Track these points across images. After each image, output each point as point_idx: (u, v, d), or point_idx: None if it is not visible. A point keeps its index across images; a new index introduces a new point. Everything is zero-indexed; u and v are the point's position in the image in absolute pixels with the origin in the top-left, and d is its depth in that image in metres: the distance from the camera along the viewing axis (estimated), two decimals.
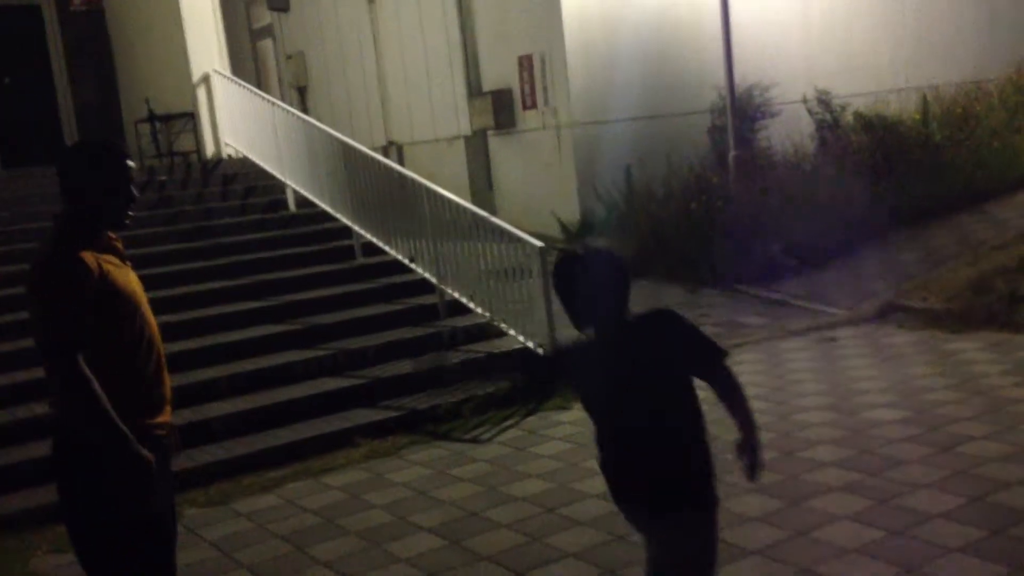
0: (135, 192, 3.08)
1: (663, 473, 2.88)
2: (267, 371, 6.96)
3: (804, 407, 6.08)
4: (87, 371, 2.83)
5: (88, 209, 2.98)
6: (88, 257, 2.91)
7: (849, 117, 12.22)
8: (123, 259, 3.11)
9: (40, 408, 6.09)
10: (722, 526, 4.33)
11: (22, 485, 5.50)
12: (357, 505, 5.21)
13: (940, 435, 5.28)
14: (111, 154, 3.05)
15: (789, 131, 11.93)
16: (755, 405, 6.12)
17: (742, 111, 11.60)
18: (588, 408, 3.02)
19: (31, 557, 4.87)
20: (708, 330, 8.29)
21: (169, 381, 3.18)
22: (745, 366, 7.28)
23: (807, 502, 4.57)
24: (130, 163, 3.06)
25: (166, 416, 3.14)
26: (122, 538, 2.96)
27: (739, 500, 4.68)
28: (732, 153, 11.07)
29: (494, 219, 7.72)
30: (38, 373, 6.37)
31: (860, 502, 4.49)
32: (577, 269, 2.85)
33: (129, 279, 3.09)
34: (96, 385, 2.83)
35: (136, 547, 2.99)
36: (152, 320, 3.14)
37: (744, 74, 11.58)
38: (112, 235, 3.09)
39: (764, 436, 5.47)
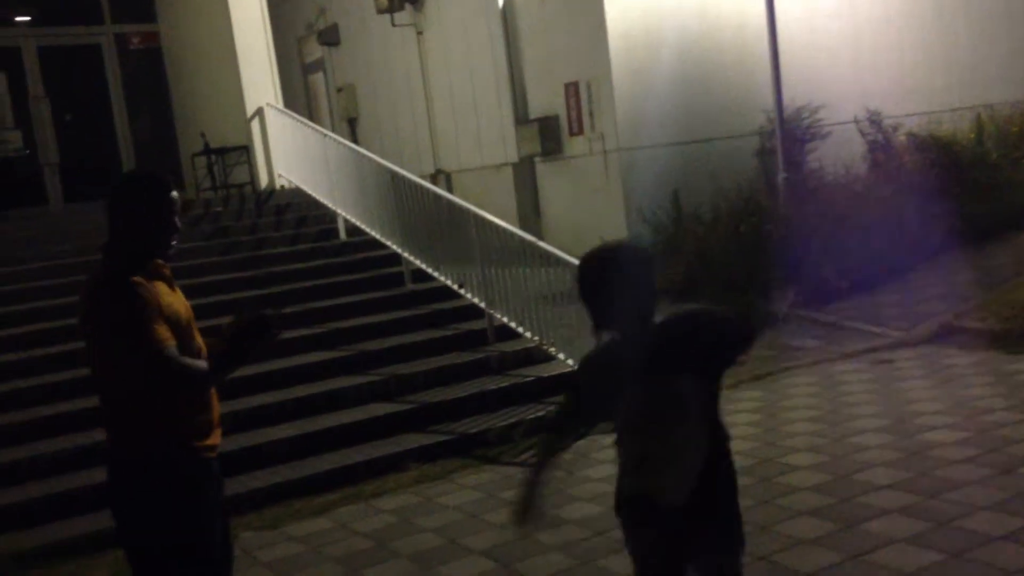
0: (178, 223, 3.15)
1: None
2: (318, 397, 7.03)
3: (860, 429, 5.97)
4: (188, 360, 2.99)
5: (134, 239, 3.06)
6: (141, 280, 2.99)
7: (902, 137, 12.08)
8: (171, 285, 3.19)
9: (99, 435, 6.21)
10: (776, 549, 4.30)
11: (81, 511, 5.61)
12: (408, 528, 5.23)
13: (1000, 456, 5.16)
14: (154, 185, 3.13)
15: (840, 153, 11.81)
16: (810, 428, 6.11)
17: (791, 133, 11.52)
18: (619, 425, 2.87)
19: None
20: (759, 352, 8.27)
21: (218, 405, 3.24)
22: (799, 388, 7.20)
23: (863, 525, 4.48)
24: (174, 194, 3.13)
25: (216, 439, 3.19)
26: (180, 559, 3.01)
27: (793, 523, 4.62)
28: (782, 175, 11.00)
29: (542, 244, 7.74)
30: (95, 401, 6.58)
31: (918, 524, 4.39)
32: (605, 263, 2.75)
33: (179, 303, 3.16)
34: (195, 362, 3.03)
35: (194, 568, 3.04)
36: (203, 344, 3.21)
37: (793, 96, 11.51)
38: (159, 262, 3.16)
39: (819, 458, 5.43)
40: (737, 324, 2.86)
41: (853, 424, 6.10)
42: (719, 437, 2.84)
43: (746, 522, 4.61)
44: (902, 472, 5.10)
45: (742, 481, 5.19)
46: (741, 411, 6.75)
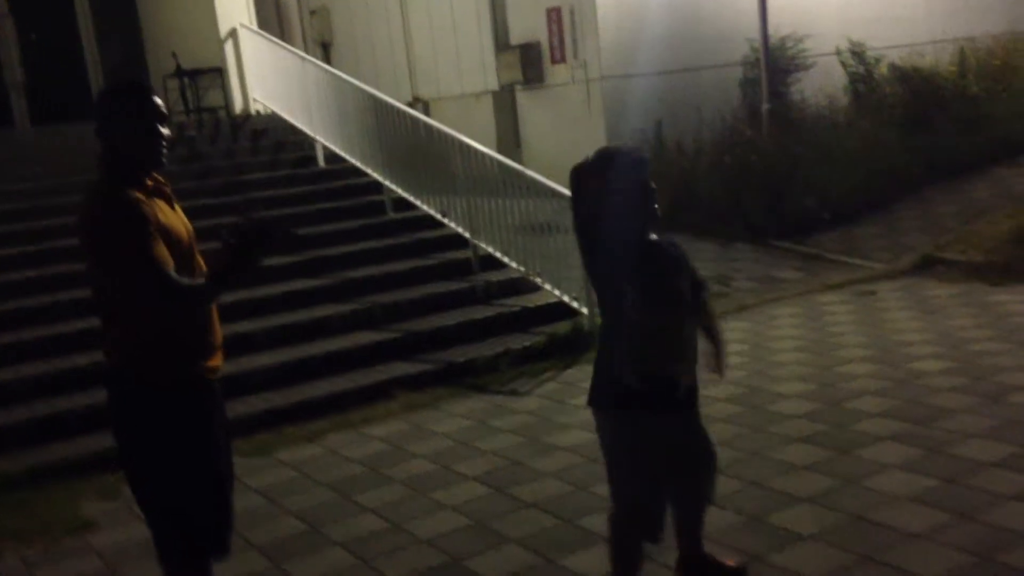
0: (165, 129, 3.03)
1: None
2: (304, 324, 6.96)
3: (847, 359, 6.02)
4: (181, 280, 2.87)
5: (124, 150, 2.95)
6: (140, 196, 2.89)
7: (883, 69, 12.02)
8: (172, 203, 3.09)
9: (82, 359, 6.14)
10: (769, 475, 4.34)
11: (66, 434, 5.55)
12: (400, 455, 5.22)
13: (988, 385, 5.22)
14: (136, 92, 3.02)
15: (822, 84, 11.75)
16: (798, 357, 6.15)
17: (775, 64, 11.43)
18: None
19: (80, 504, 4.91)
20: (743, 284, 8.30)
21: (220, 326, 3.16)
22: (784, 319, 7.23)
23: (856, 451, 4.53)
24: (157, 100, 3.02)
25: (218, 360, 3.13)
26: (183, 480, 2.97)
27: (787, 449, 4.66)
28: (765, 106, 10.94)
29: (528, 172, 7.65)
30: (78, 325, 6.49)
31: (910, 451, 4.44)
32: (604, 162, 3.03)
33: (179, 222, 3.06)
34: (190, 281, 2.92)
35: (196, 489, 3.00)
36: (203, 264, 3.12)
37: (777, 25, 11.40)
38: (159, 178, 3.06)
39: (808, 387, 5.48)
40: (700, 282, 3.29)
41: (840, 354, 6.15)
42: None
43: (739, 449, 4.69)
44: (892, 400, 5.16)
45: (733, 409, 5.27)
46: (728, 341, 6.76)
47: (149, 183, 2.99)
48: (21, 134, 11.11)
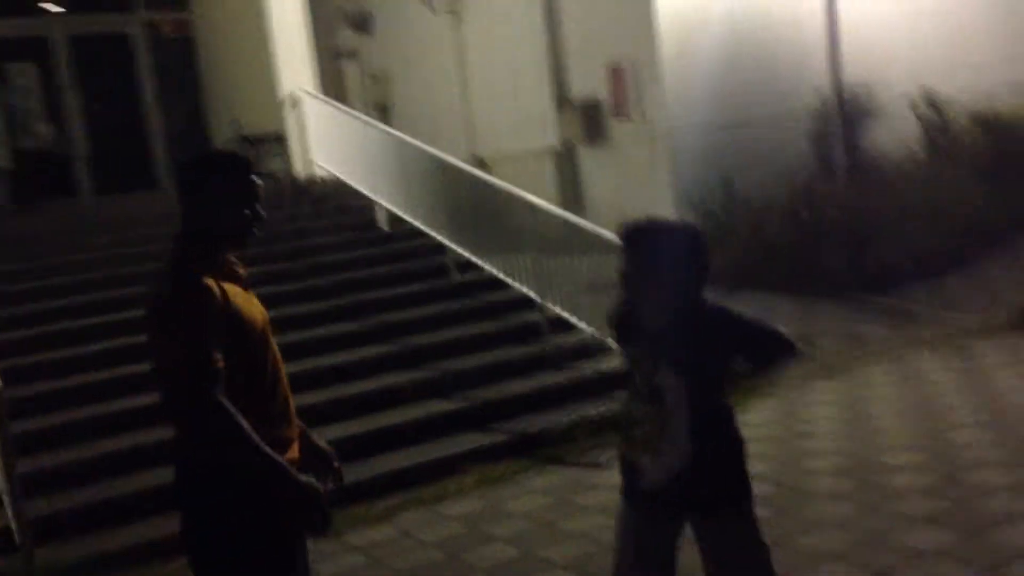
0: (262, 211, 2.79)
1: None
2: (371, 394, 6.68)
3: (958, 424, 5.54)
4: (231, 407, 2.54)
5: (210, 227, 2.70)
6: (211, 283, 2.62)
7: (959, 117, 11.57)
8: (245, 286, 2.82)
9: (143, 437, 5.91)
10: (894, 563, 3.87)
11: (127, 520, 5.29)
12: (479, 538, 4.86)
13: None
14: (238, 166, 2.77)
15: (893, 133, 11.34)
16: (900, 425, 5.67)
17: (845, 113, 11.06)
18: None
19: None
20: (829, 345, 7.84)
21: (296, 419, 2.88)
22: (877, 378, 6.77)
23: (988, 532, 4.07)
24: (255, 177, 2.78)
25: (294, 454, 2.83)
26: (256, 568, 2.67)
27: (910, 533, 4.21)
28: (840, 157, 10.54)
29: (592, 227, 7.36)
30: (137, 401, 6.28)
31: None
32: (640, 234, 2.76)
33: (254, 307, 2.79)
34: (242, 418, 2.54)
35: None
36: (278, 353, 2.85)
37: (846, 74, 11.04)
38: (232, 260, 2.80)
39: (921, 458, 5.02)
40: (775, 334, 2.84)
41: (952, 418, 5.67)
42: (716, 436, 2.79)
43: (855, 530, 4.25)
44: (1019, 473, 4.68)
45: (838, 485, 4.83)
46: (820, 403, 6.34)
47: (225, 264, 2.74)
48: (87, 205, 11.17)
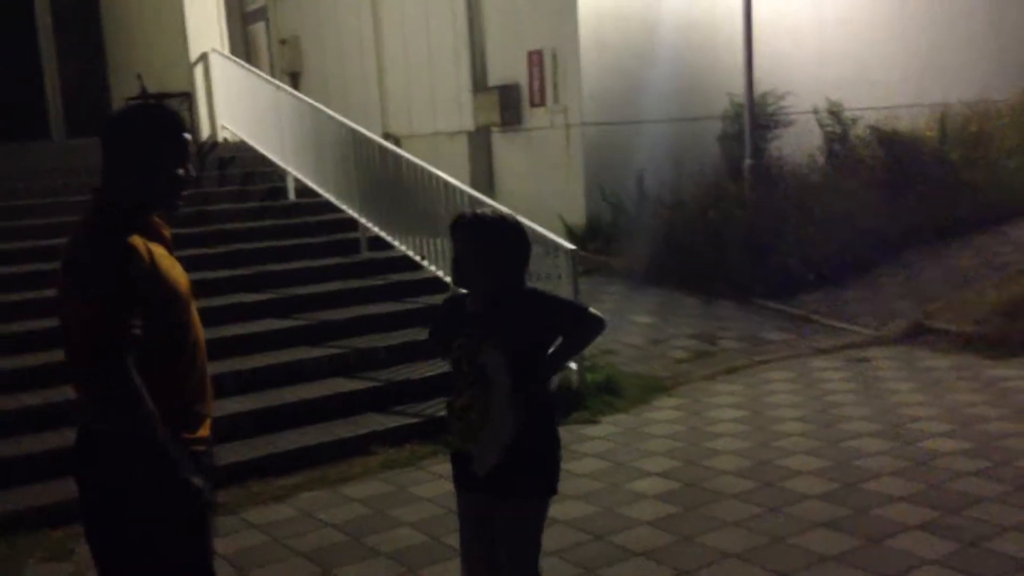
0: (192, 171, 2.64)
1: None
2: (273, 369, 6.48)
3: (855, 433, 5.72)
4: (138, 380, 2.39)
5: (135, 186, 2.54)
6: (138, 242, 2.47)
7: (860, 130, 11.96)
8: (170, 249, 2.67)
9: (30, 399, 5.61)
10: (799, 567, 3.94)
11: (12, 484, 5.01)
12: (384, 522, 4.77)
13: (1012, 470, 4.95)
14: (169, 123, 2.61)
15: (799, 142, 11.64)
16: (800, 428, 5.83)
17: (755, 119, 11.30)
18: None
19: (23, 565, 4.39)
20: (729, 344, 8.00)
21: (212, 392, 2.74)
22: (778, 384, 6.95)
23: (887, 543, 4.20)
24: (187, 136, 2.62)
25: (206, 431, 2.70)
26: (157, 543, 2.52)
27: (804, 536, 4.32)
28: (748, 161, 10.77)
29: (522, 220, 7.29)
30: (31, 360, 5.94)
31: (945, 545, 4.12)
32: (465, 225, 2.93)
33: (179, 271, 2.65)
34: (148, 399, 2.39)
35: (171, 555, 2.55)
36: (199, 322, 2.70)
37: (757, 81, 11.27)
38: (158, 221, 2.65)
39: (817, 463, 5.15)
40: (584, 310, 3.08)
41: (847, 427, 5.85)
42: (534, 426, 2.95)
43: (759, 532, 4.34)
44: (913, 483, 4.85)
45: (742, 484, 4.93)
46: (724, 405, 6.46)
47: (151, 224, 2.58)
48: None
